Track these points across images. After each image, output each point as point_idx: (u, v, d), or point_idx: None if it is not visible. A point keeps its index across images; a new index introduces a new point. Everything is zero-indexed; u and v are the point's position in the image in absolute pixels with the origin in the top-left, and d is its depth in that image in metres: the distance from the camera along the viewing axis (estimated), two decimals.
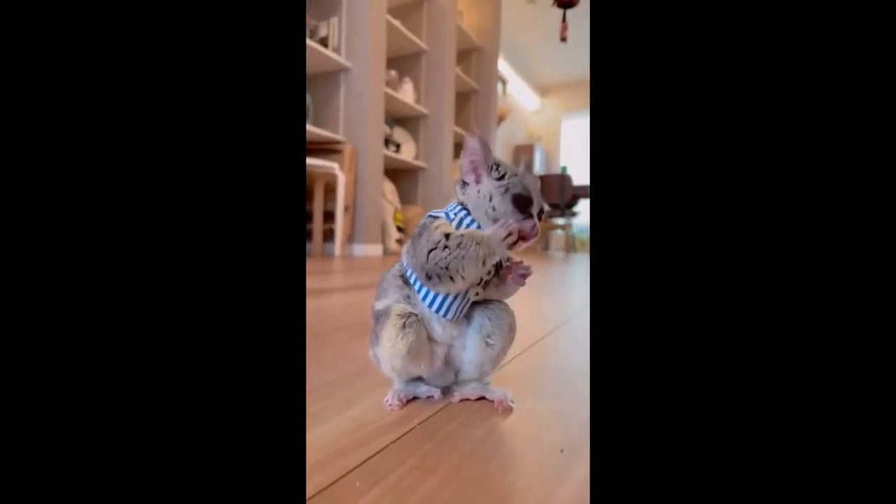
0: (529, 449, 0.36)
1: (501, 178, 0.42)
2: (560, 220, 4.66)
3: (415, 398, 0.45)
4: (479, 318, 0.45)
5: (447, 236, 0.39)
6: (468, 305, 0.44)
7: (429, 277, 0.40)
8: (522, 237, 0.41)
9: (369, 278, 1.56)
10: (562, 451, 0.35)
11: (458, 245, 0.39)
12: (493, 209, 0.42)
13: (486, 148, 0.42)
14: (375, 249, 2.85)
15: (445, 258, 0.39)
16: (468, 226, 0.42)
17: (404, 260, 0.44)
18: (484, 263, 0.39)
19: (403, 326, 0.41)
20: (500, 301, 0.47)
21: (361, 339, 0.69)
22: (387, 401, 0.43)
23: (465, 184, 0.43)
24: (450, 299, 0.43)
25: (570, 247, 4.69)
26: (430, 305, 0.43)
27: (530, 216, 0.42)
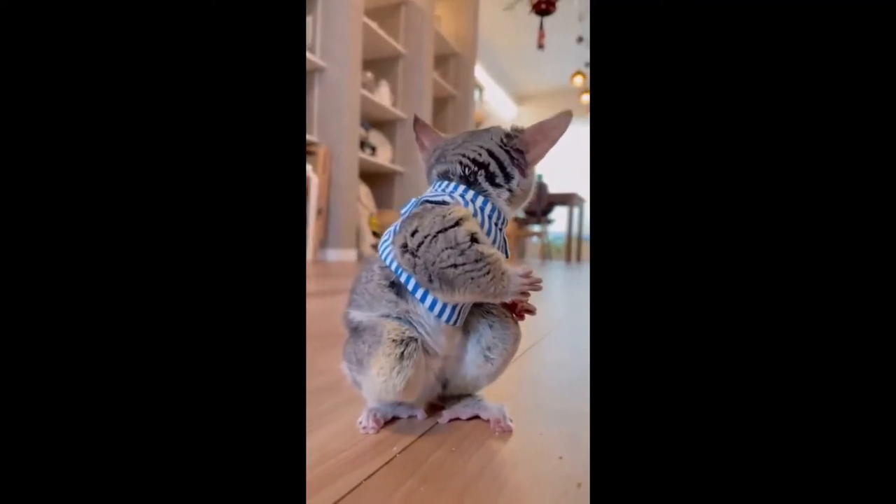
0: (539, 483, 0.29)
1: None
2: (536, 228, 4.64)
3: (394, 418, 0.38)
4: (480, 326, 0.38)
5: (472, 239, 0.32)
6: (469, 306, 0.37)
7: (430, 280, 0.32)
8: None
9: (343, 284, 1.46)
10: (579, 484, 0.28)
11: (477, 262, 0.32)
12: (515, 204, 0.40)
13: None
14: (349, 255, 2.74)
15: (456, 268, 0.32)
16: (489, 215, 0.36)
17: (395, 255, 0.34)
18: (492, 296, 0.33)
19: (401, 357, 0.33)
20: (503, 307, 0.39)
21: (330, 350, 0.60)
22: (360, 423, 0.35)
23: (508, 177, 0.38)
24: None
25: (546, 254, 4.67)
26: (431, 309, 0.35)
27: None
